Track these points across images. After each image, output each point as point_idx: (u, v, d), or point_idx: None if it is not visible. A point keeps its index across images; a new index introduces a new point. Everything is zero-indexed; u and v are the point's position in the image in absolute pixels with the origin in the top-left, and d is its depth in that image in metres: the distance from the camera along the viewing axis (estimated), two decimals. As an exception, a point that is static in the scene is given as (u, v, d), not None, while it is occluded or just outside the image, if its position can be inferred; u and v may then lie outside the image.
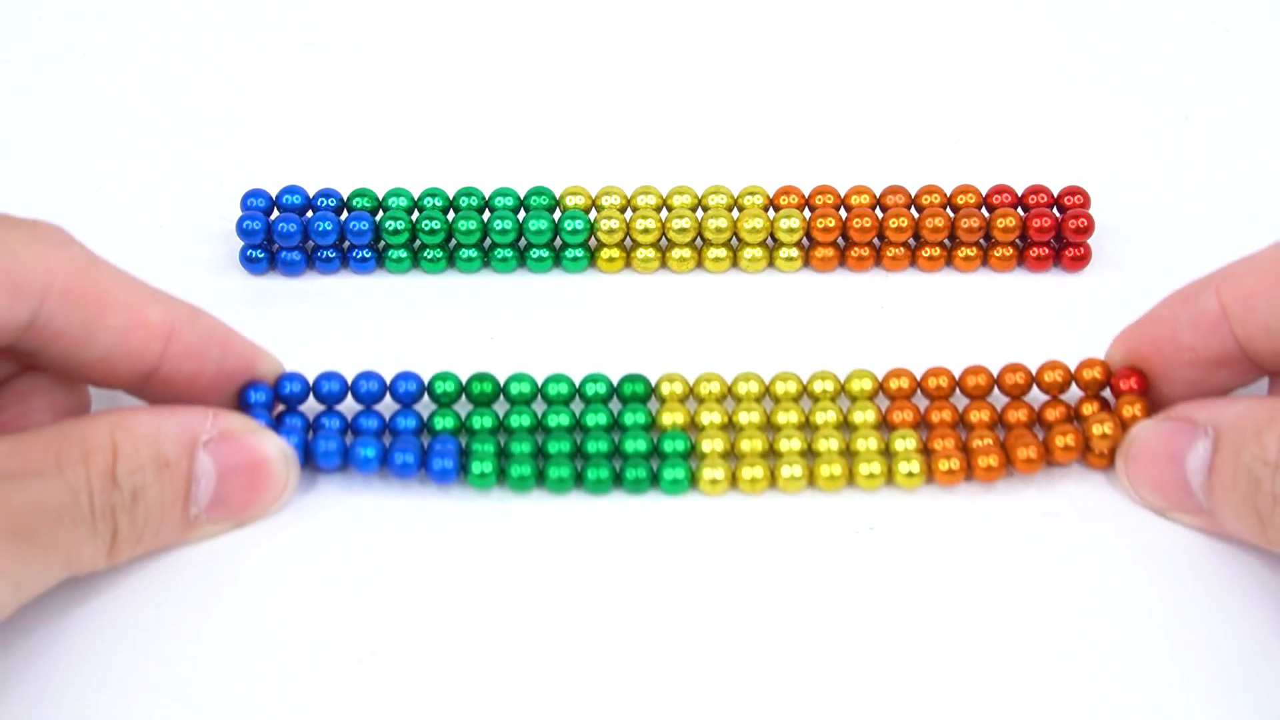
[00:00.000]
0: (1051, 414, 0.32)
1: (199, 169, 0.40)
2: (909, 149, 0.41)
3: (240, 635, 0.29)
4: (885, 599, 0.30)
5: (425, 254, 0.37)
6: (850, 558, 0.31)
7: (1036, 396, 0.33)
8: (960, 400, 0.33)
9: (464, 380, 0.33)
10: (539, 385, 0.33)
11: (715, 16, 0.45)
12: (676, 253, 0.37)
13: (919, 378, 0.33)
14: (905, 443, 0.32)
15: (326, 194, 0.37)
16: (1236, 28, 0.44)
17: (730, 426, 0.33)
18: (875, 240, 0.37)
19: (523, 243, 0.37)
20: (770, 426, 0.33)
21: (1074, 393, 0.33)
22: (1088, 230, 0.36)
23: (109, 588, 0.29)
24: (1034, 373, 0.33)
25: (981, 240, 0.37)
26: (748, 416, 0.32)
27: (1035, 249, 0.36)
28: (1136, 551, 0.31)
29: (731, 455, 0.32)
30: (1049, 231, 0.36)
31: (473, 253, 0.37)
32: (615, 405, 0.33)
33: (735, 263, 0.37)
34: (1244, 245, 0.38)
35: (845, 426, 0.33)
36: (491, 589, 0.30)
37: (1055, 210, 0.37)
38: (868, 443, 0.32)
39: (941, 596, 0.30)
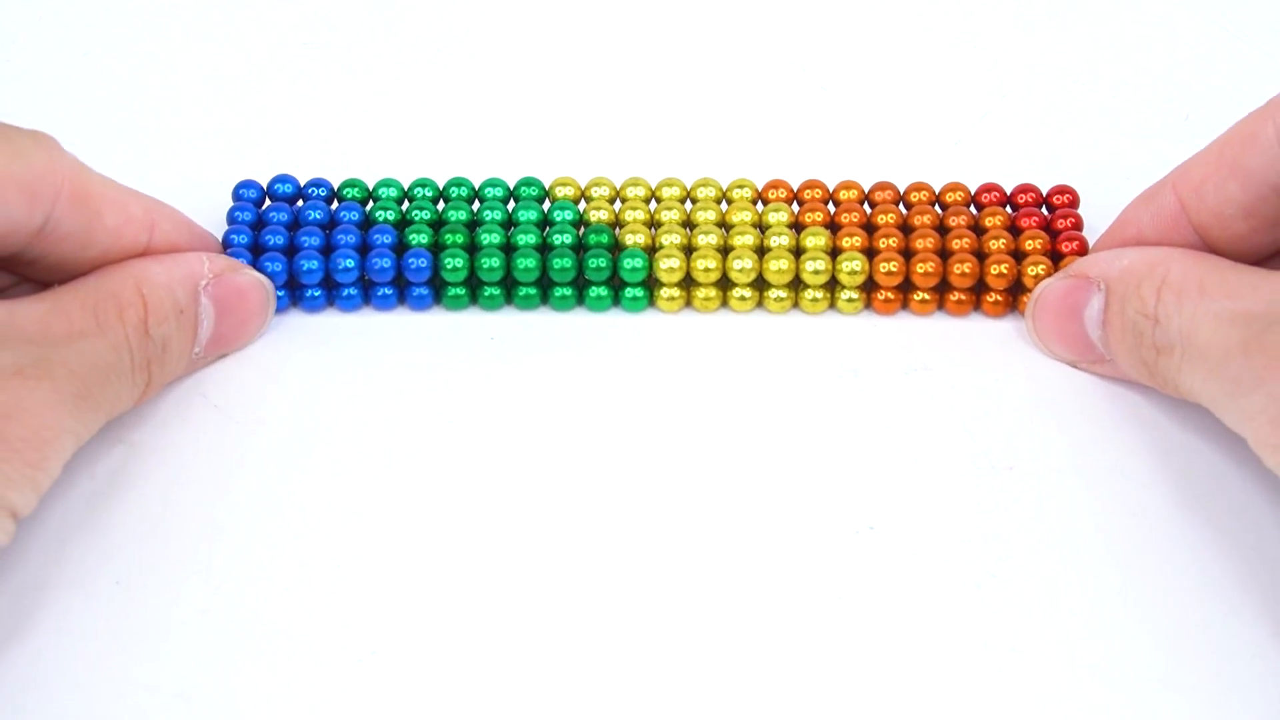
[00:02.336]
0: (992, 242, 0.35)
1: (199, 169, 0.40)
2: (908, 149, 0.41)
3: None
4: (885, 599, 0.30)
5: (449, 291, 0.36)
6: (850, 558, 0.31)
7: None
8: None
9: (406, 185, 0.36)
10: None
11: (715, 17, 0.45)
12: (701, 293, 0.36)
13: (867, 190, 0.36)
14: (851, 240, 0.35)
15: (317, 184, 0.37)
16: (1236, 28, 0.44)
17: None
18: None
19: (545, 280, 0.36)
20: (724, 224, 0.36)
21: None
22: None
23: (103, 568, 0.30)
24: (972, 192, 0.36)
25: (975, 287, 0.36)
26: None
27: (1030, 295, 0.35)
28: (1119, 545, 0.31)
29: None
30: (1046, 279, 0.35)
31: (497, 290, 0.36)
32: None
33: (761, 302, 0.36)
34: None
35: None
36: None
37: (1044, 209, 0.37)
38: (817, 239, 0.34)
39: (941, 596, 0.30)
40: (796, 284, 0.36)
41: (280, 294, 0.35)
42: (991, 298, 0.36)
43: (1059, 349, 0.34)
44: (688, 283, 0.36)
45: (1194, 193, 0.31)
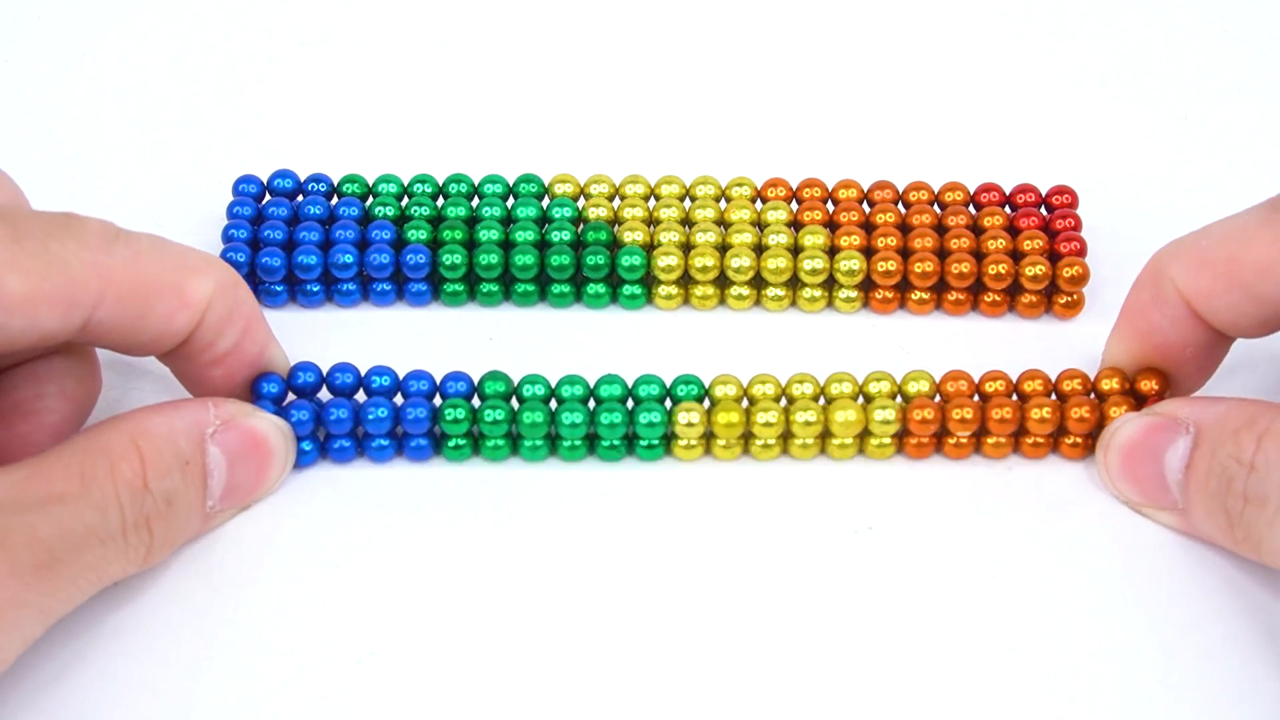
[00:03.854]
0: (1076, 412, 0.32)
1: (199, 169, 0.40)
2: (908, 149, 0.41)
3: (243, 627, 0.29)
4: (884, 598, 0.30)
5: (446, 287, 0.36)
6: (850, 557, 0.31)
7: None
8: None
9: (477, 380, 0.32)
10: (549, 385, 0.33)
11: (715, 17, 0.45)
12: (699, 290, 0.36)
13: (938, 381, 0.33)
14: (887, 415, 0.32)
15: (317, 179, 0.37)
16: (1236, 28, 0.44)
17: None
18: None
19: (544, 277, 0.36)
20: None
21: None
22: (1082, 279, 0.35)
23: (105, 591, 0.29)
24: (1054, 380, 0.33)
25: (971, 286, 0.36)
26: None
27: (1027, 295, 0.36)
28: (1120, 548, 0.31)
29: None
30: (1043, 280, 0.35)
31: (494, 286, 0.36)
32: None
33: (758, 300, 0.36)
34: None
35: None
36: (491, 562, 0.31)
37: (1043, 209, 0.37)
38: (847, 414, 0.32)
39: (940, 596, 0.30)
40: (794, 282, 0.36)
41: (279, 288, 0.35)
42: (989, 298, 0.36)
43: (1128, 489, 0.31)
44: (685, 280, 0.36)
45: (1205, 303, 0.30)
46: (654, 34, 0.44)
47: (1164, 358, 0.32)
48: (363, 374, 0.32)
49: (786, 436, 0.32)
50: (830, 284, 0.36)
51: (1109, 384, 0.32)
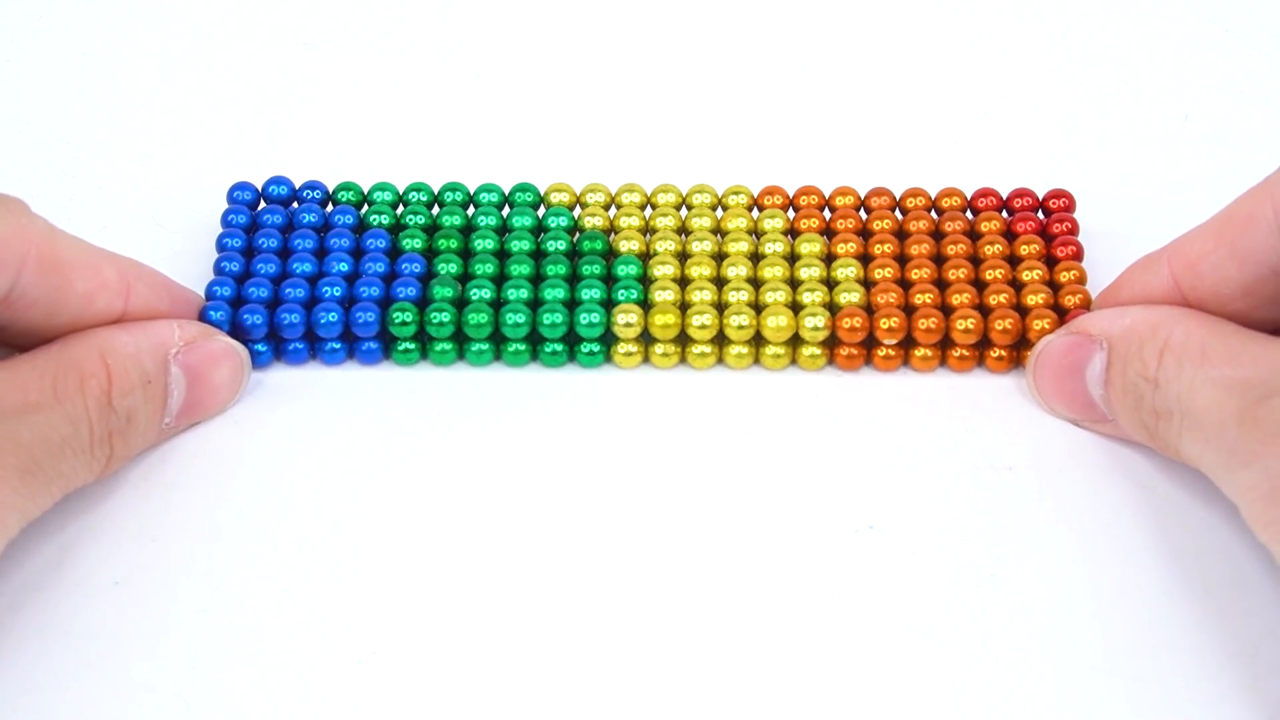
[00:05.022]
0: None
1: (199, 169, 0.40)
2: (908, 150, 0.41)
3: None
4: (884, 599, 0.30)
5: (435, 347, 0.35)
6: (850, 557, 0.31)
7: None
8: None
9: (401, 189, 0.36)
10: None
11: (714, 17, 0.45)
12: (697, 349, 0.35)
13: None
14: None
15: (312, 186, 0.37)
16: (1236, 28, 0.44)
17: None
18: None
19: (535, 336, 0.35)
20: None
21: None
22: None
23: (95, 573, 0.30)
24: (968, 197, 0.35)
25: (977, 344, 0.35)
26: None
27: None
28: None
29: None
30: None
31: (485, 346, 0.35)
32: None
33: (758, 359, 0.35)
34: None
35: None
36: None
37: (1040, 213, 0.37)
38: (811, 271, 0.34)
39: (941, 596, 0.30)
40: (795, 341, 0.35)
41: (262, 348, 0.35)
42: (995, 353, 0.35)
43: (1060, 407, 0.33)
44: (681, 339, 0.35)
45: (1189, 270, 0.30)
46: (649, 40, 0.44)
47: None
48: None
49: (721, 341, 0.34)
50: (832, 342, 0.35)
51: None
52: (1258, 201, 0.29)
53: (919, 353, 0.34)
